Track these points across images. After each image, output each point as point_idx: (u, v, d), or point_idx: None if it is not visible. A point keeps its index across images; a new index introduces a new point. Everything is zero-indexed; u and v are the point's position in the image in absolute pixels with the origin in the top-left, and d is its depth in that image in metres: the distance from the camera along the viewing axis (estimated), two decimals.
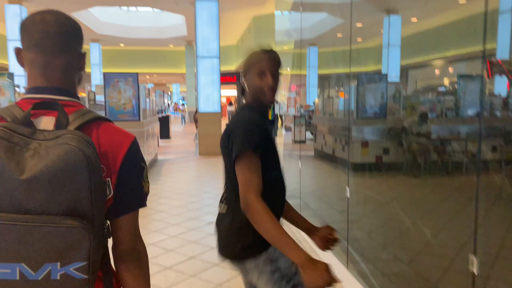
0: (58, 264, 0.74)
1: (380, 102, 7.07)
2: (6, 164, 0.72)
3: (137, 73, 7.14)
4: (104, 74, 7.33)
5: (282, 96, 11.97)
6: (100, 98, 10.26)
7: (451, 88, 8.35)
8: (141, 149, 0.97)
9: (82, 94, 12.54)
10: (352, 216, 3.87)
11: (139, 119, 7.02)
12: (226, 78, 21.09)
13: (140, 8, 18.10)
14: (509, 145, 6.19)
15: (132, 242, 0.94)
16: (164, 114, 13.85)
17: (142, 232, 0.99)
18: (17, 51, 0.90)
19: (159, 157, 9.22)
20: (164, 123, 12.96)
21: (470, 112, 6.96)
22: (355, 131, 7.02)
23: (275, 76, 1.43)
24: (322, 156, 8.71)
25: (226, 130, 1.44)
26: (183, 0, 12.47)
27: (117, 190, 0.88)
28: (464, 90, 7.05)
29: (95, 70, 19.63)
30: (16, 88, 6.37)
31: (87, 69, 15.87)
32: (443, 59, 13.26)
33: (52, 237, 0.73)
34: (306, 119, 12.44)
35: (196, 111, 10.44)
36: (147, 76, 27.77)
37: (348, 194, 3.42)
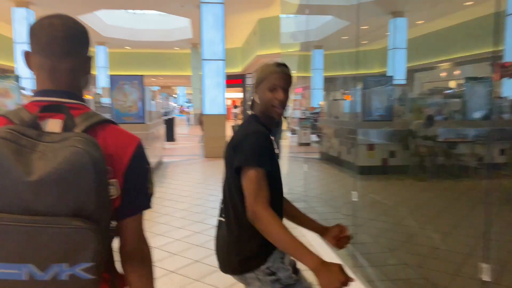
0: (66, 265, 0.75)
1: (386, 105, 7.02)
2: (14, 166, 0.73)
3: (142, 76, 7.15)
4: (110, 76, 7.36)
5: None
6: (106, 100, 10.32)
7: (458, 91, 8.27)
8: (146, 151, 0.98)
9: (88, 97, 12.60)
10: (358, 220, 3.84)
11: (145, 122, 7.04)
12: (231, 81, 21.07)
13: (146, 11, 18.19)
14: None
15: (137, 243, 0.95)
16: (170, 116, 13.86)
17: (146, 235, 0.99)
18: (26, 55, 0.92)
19: (164, 160, 9.23)
20: (169, 125, 12.99)
21: (478, 114, 6.90)
22: (361, 134, 6.98)
23: (286, 92, 1.44)
24: (328, 159, 8.67)
25: (231, 141, 1.43)
26: (188, 3, 12.51)
27: (123, 192, 0.90)
28: (471, 93, 6.99)
29: (101, 72, 19.74)
30: (22, 91, 6.40)
31: (93, 72, 15.94)
32: (450, 62, 13.15)
33: (59, 238, 0.74)
34: (311, 121, 12.41)
35: (201, 114, 10.45)
36: (153, 79, 27.90)
37: (355, 198, 3.38)
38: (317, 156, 9.42)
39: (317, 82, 16.69)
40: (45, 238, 0.73)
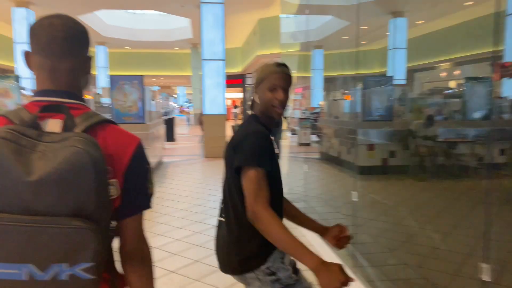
0: (65, 264, 0.75)
1: (386, 105, 7.02)
2: (14, 166, 0.73)
3: (142, 76, 7.15)
4: (110, 76, 7.36)
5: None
6: (106, 100, 10.32)
7: (458, 91, 8.27)
8: (146, 151, 0.98)
9: (88, 97, 12.60)
10: (358, 220, 3.84)
11: (145, 122, 7.04)
12: (231, 81, 21.06)
13: (146, 11, 18.19)
14: None
15: (137, 243, 0.95)
16: (170, 116, 13.86)
17: (146, 235, 0.99)
18: (26, 55, 0.92)
19: (164, 160, 9.23)
20: (169, 125, 12.98)
21: (478, 114, 6.90)
22: (361, 134, 6.98)
23: (286, 92, 1.44)
24: (328, 159, 8.67)
25: (231, 141, 1.43)
26: (188, 3, 12.51)
27: (123, 192, 0.90)
28: (471, 93, 6.99)
29: (101, 72, 19.74)
30: (22, 91, 6.40)
31: (93, 72, 15.98)
32: (450, 62, 13.16)
33: (59, 238, 0.74)
34: (311, 121, 12.40)
35: (201, 114, 10.45)
36: (153, 79, 27.90)
37: (355, 198, 3.38)
38: (317, 156, 9.42)
39: (317, 82, 16.69)
40: (45, 238, 0.73)
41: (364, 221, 4.24)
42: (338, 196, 5.74)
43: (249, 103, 1.55)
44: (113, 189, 0.87)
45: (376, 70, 15.56)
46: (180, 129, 18.33)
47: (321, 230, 1.56)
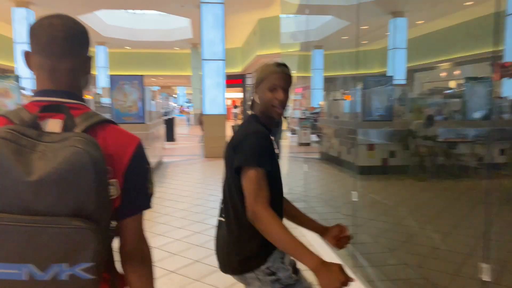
0: (65, 264, 0.75)
1: (386, 105, 7.02)
2: (14, 166, 0.73)
3: (142, 76, 7.15)
4: (110, 76, 7.36)
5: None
6: (106, 100, 10.32)
7: (458, 91, 8.28)
8: (146, 151, 0.98)
9: (88, 97, 12.60)
10: (358, 220, 3.84)
11: (145, 122, 7.04)
12: (231, 81, 21.07)
13: (146, 11, 18.19)
14: None
15: (137, 242, 0.95)
16: (170, 116, 13.86)
17: (146, 235, 1.00)
18: (26, 55, 0.92)
19: (164, 160, 9.23)
20: (169, 125, 12.98)
21: (478, 114, 6.90)
22: (361, 134, 6.98)
23: (286, 92, 1.44)
24: (328, 159, 8.67)
25: (231, 142, 1.43)
26: (188, 3, 12.51)
27: (123, 192, 0.90)
28: (471, 93, 6.99)
29: (101, 72, 19.74)
30: (22, 91, 6.40)
31: (93, 72, 15.98)
32: (450, 62, 13.16)
33: (59, 238, 0.74)
34: (311, 121, 12.40)
35: (201, 114, 10.45)
36: (153, 79, 27.89)
37: (355, 198, 3.38)
38: (317, 156, 9.42)
39: (317, 82, 16.69)
40: (45, 238, 0.73)
41: (364, 221, 4.24)
42: (338, 196, 5.73)
43: (249, 103, 1.55)
44: (113, 189, 0.86)
45: (376, 70, 15.56)
46: (180, 129, 18.33)
47: (321, 230, 1.56)
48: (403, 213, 4.62)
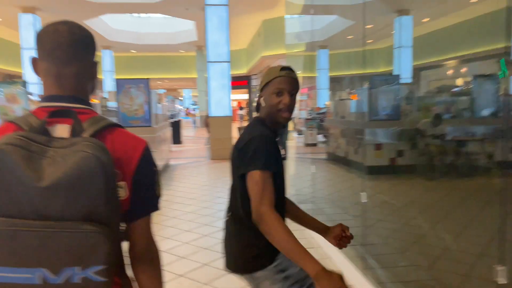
0: (78, 268, 0.76)
1: (393, 104, 6.96)
2: (25, 172, 0.74)
3: (148, 79, 7.17)
4: (116, 80, 7.38)
5: None
6: (112, 104, 10.36)
7: (466, 88, 8.19)
8: (153, 154, 0.99)
9: (94, 101, 12.68)
10: (367, 221, 3.79)
11: (151, 125, 7.05)
12: (236, 82, 21.09)
13: (151, 15, 18.28)
14: None
15: (146, 244, 0.97)
16: (176, 119, 13.89)
17: (155, 237, 1.01)
18: (33, 61, 0.93)
19: (171, 162, 9.25)
20: (176, 128, 13.01)
21: (486, 112, 6.81)
22: (368, 134, 6.93)
23: (292, 96, 1.43)
24: (335, 159, 8.62)
25: (237, 144, 1.43)
26: (193, 6, 12.55)
27: (131, 194, 0.91)
28: (479, 90, 6.90)
29: (107, 76, 19.87)
30: (30, 96, 6.45)
31: (99, 76, 16.11)
32: (457, 59, 13.05)
33: (71, 242, 0.75)
34: (318, 122, 12.36)
35: (207, 116, 10.45)
36: (159, 82, 28.01)
37: (364, 199, 3.34)
38: (324, 156, 9.38)
39: (323, 82, 16.63)
40: (57, 242, 0.75)
41: (373, 221, 4.20)
42: (346, 196, 5.69)
43: (254, 104, 1.54)
44: (122, 191, 0.88)
45: (382, 69, 15.47)
46: (186, 132, 18.37)
47: (323, 230, 1.56)
48: (413, 213, 4.56)
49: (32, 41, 1.06)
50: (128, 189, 0.90)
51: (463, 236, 3.90)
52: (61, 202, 0.75)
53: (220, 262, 3.22)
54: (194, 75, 21.91)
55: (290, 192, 5.64)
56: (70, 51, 0.90)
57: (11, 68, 16.12)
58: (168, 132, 9.94)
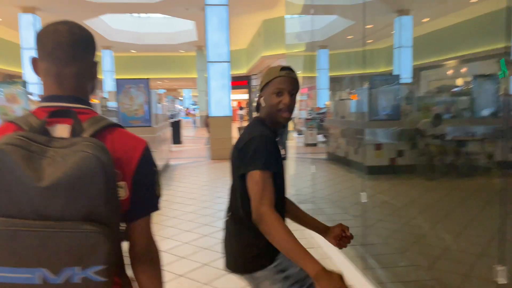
0: (78, 268, 0.76)
1: (393, 104, 6.96)
2: (25, 172, 0.74)
3: (148, 79, 7.17)
4: (116, 80, 7.38)
5: None
6: (112, 104, 10.36)
7: (466, 88, 8.19)
8: (153, 154, 0.99)
9: (94, 101, 12.67)
10: (367, 221, 3.79)
11: (151, 125, 7.05)
12: (236, 82, 21.08)
13: (151, 15, 18.28)
14: None
15: (146, 244, 0.97)
16: (176, 119, 13.89)
17: (155, 236, 1.01)
18: (33, 61, 0.94)
19: (171, 162, 9.25)
20: (176, 128, 13.01)
21: (486, 112, 6.81)
22: (368, 134, 6.93)
23: (292, 96, 1.43)
24: (335, 159, 8.62)
25: (237, 144, 1.43)
26: (193, 6, 12.55)
27: (131, 194, 0.91)
28: (479, 90, 6.90)
29: (107, 76, 19.86)
30: (30, 96, 6.45)
31: (99, 76, 16.09)
32: (456, 59, 13.06)
33: (71, 242, 0.75)
34: (318, 122, 12.36)
35: (207, 116, 10.45)
36: (159, 82, 28.01)
37: (364, 199, 3.34)
38: (324, 156, 9.38)
39: (323, 82, 16.62)
40: (57, 242, 0.75)
41: (373, 222, 4.20)
42: (346, 196, 5.69)
43: (254, 104, 1.55)
44: (122, 191, 0.88)
45: (382, 69, 15.46)
46: (186, 132, 18.37)
47: (323, 230, 1.56)
48: (413, 213, 4.56)
49: (32, 41, 1.06)
50: (128, 189, 0.90)
51: (463, 236, 3.90)
52: (61, 202, 0.75)
53: (220, 262, 3.22)
54: (194, 75, 21.91)
55: (290, 192, 5.64)
56: (70, 51, 0.90)
57: (11, 68, 16.12)
58: (168, 132, 9.94)
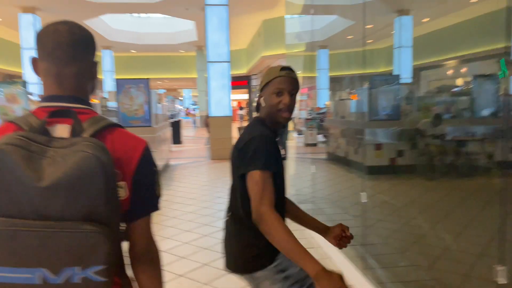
0: (78, 268, 0.76)
1: (393, 104, 6.96)
2: (25, 172, 0.74)
3: (148, 79, 7.17)
4: (116, 80, 7.38)
5: None
6: (112, 104, 10.36)
7: (466, 88, 8.19)
8: (153, 154, 0.99)
9: (93, 101, 12.67)
10: (367, 221, 3.79)
11: (151, 125, 7.05)
12: (236, 82, 21.08)
13: (151, 15, 18.28)
14: None
15: (146, 244, 0.97)
16: (176, 119, 13.89)
17: (155, 236, 1.01)
18: (33, 61, 0.94)
19: (171, 162, 9.25)
20: (176, 128, 13.01)
21: (486, 112, 6.81)
22: (368, 134, 6.93)
23: (292, 96, 1.43)
24: (335, 159, 8.62)
25: (237, 144, 1.44)
26: (193, 6, 12.55)
27: (132, 194, 0.91)
28: (479, 90, 6.90)
29: (107, 76, 19.86)
30: (30, 96, 6.45)
31: (99, 76, 16.05)
32: (456, 59, 13.06)
33: (71, 242, 0.75)
34: (318, 122, 12.36)
35: (207, 116, 10.46)
36: (159, 82, 28.01)
37: (364, 199, 3.34)
38: (324, 156, 9.38)
39: (323, 82, 16.62)
40: (57, 242, 0.75)
41: (373, 222, 4.20)
42: (346, 196, 5.69)
43: (254, 104, 1.55)
44: (122, 191, 0.88)
45: (382, 69, 15.46)
46: (186, 132, 18.37)
47: (323, 230, 1.56)
48: (413, 213, 4.56)
49: (32, 41, 1.07)
50: (128, 189, 0.90)
51: (463, 236, 3.90)
52: (61, 202, 0.75)
53: (220, 262, 3.22)
54: (194, 75, 21.90)
55: (290, 192, 5.64)
56: (70, 51, 0.90)
57: (11, 68, 16.12)
58: (168, 132, 9.94)
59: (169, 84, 31.10)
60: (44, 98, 0.92)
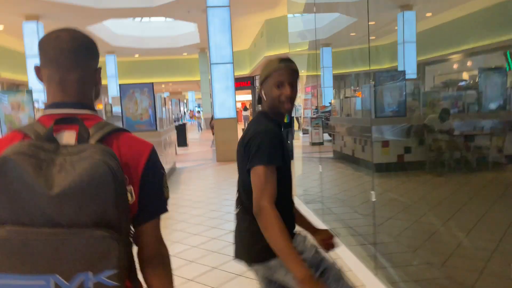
0: (91, 273, 0.77)
1: (399, 100, 6.90)
2: (36, 181, 0.75)
3: (152, 83, 7.17)
4: (120, 85, 7.40)
5: (298, 98, 11.85)
6: (117, 109, 10.39)
7: (472, 82, 8.11)
8: (160, 158, 1.00)
9: (99, 107, 12.74)
10: (377, 219, 3.75)
11: (156, 129, 7.05)
12: (240, 83, 21.09)
13: (153, 19, 18.33)
14: None
15: (156, 246, 0.97)
16: (180, 122, 13.92)
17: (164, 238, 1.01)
18: (37, 69, 0.94)
19: (178, 165, 9.25)
20: (181, 131, 13.03)
21: (494, 105, 6.72)
22: (375, 131, 6.87)
23: (293, 86, 1.44)
24: (342, 157, 8.57)
25: (242, 138, 1.45)
26: (195, 8, 12.55)
27: (140, 198, 0.92)
28: (486, 84, 6.82)
29: (111, 82, 19.95)
30: (35, 103, 6.48)
31: (103, 81, 15.99)
32: (461, 53, 12.95)
33: (83, 248, 0.76)
34: (323, 120, 12.30)
35: (212, 118, 10.45)
36: (163, 85, 28.09)
37: (373, 198, 3.30)
38: (330, 155, 9.33)
39: (327, 80, 16.56)
40: (70, 249, 0.75)
41: (383, 220, 4.15)
42: (355, 195, 5.65)
43: (257, 97, 1.57)
44: (129, 196, 0.88)
45: (386, 66, 15.37)
46: (192, 134, 18.39)
47: (312, 231, 1.63)
48: (423, 210, 4.50)
49: (36, 48, 1.07)
50: (136, 193, 0.91)
51: (475, 232, 3.83)
52: (72, 209, 0.76)
53: (230, 265, 3.19)
54: (198, 78, 21.94)
55: (298, 192, 5.60)
56: (72, 57, 0.90)
57: (17, 77, 16.25)
58: (173, 136, 9.95)
59: (173, 87, 31.19)
60: (49, 105, 0.93)
